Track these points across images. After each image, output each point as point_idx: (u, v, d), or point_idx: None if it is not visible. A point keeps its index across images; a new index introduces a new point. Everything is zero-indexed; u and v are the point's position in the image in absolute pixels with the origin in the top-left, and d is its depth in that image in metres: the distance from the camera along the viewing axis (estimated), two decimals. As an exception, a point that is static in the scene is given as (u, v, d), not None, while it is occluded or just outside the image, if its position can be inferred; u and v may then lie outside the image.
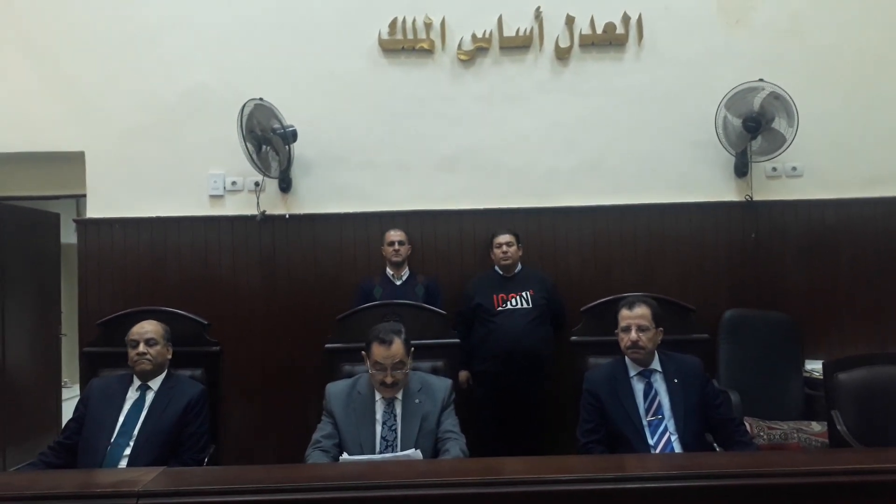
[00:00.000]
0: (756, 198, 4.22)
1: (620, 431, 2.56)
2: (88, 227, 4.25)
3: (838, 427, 2.66)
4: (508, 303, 3.78)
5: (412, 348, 2.57)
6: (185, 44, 4.25)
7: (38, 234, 5.13)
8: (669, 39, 4.29)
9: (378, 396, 2.53)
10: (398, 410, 2.50)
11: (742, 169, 4.19)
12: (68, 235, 5.43)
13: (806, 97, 3.99)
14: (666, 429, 2.55)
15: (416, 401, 2.52)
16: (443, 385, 2.60)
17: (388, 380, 2.46)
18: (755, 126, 3.98)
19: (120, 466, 2.51)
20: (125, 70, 4.24)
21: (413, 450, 2.30)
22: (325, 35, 4.26)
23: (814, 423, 3.61)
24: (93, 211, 4.24)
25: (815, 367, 3.93)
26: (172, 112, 4.23)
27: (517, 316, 3.74)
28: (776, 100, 3.95)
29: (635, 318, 2.63)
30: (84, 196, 4.31)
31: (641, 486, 1.73)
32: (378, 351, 2.46)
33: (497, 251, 3.87)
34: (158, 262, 4.22)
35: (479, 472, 1.84)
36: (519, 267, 3.92)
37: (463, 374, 3.74)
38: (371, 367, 2.50)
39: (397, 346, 2.46)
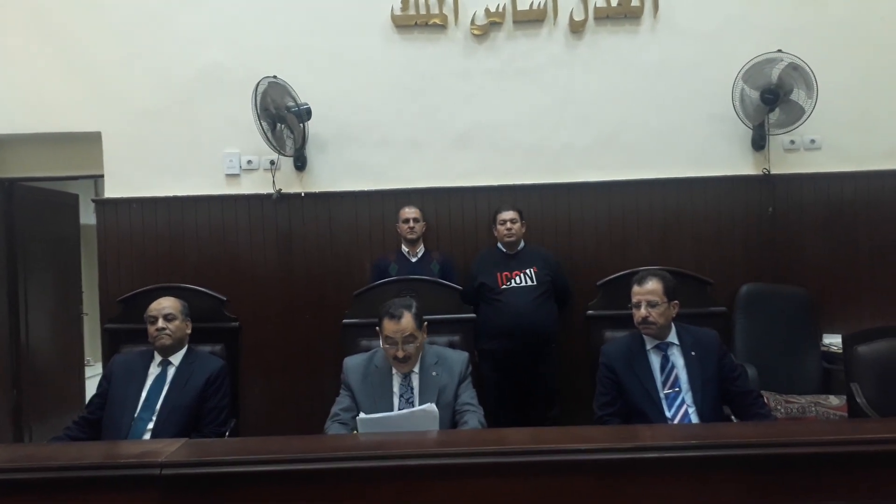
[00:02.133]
0: (773, 171, 4.16)
1: (637, 405, 2.56)
2: (106, 207, 4.28)
3: (858, 399, 2.65)
4: (512, 280, 3.76)
5: (425, 322, 2.58)
6: (199, 23, 4.24)
7: (58, 214, 5.17)
8: (686, 11, 4.21)
9: (395, 370, 2.55)
10: (415, 383, 2.53)
11: (759, 142, 4.14)
12: (87, 216, 5.49)
13: (826, 68, 3.92)
14: (683, 401, 2.55)
15: (433, 374, 2.54)
16: (459, 358, 2.62)
17: (400, 354, 2.48)
18: (773, 98, 3.93)
19: (144, 439, 2.55)
20: (140, 50, 4.24)
21: (428, 404, 2.31)
22: (337, 12, 4.23)
23: (831, 397, 3.60)
24: (110, 191, 4.28)
25: (832, 340, 3.91)
26: (187, 91, 4.24)
27: (522, 293, 3.72)
28: (795, 71, 3.89)
29: (645, 293, 2.61)
30: (102, 176, 4.33)
31: (659, 455, 1.74)
32: (388, 325, 2.49)
33: (501, 228, 3.84)
34: (176, 242, 4.25)
35: (496, 441, 1.86)
36: (522, 244, 3.90)
37: None
38: (383, 341, 2.53)
39: (407, 320, 2.48)
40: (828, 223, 4.19)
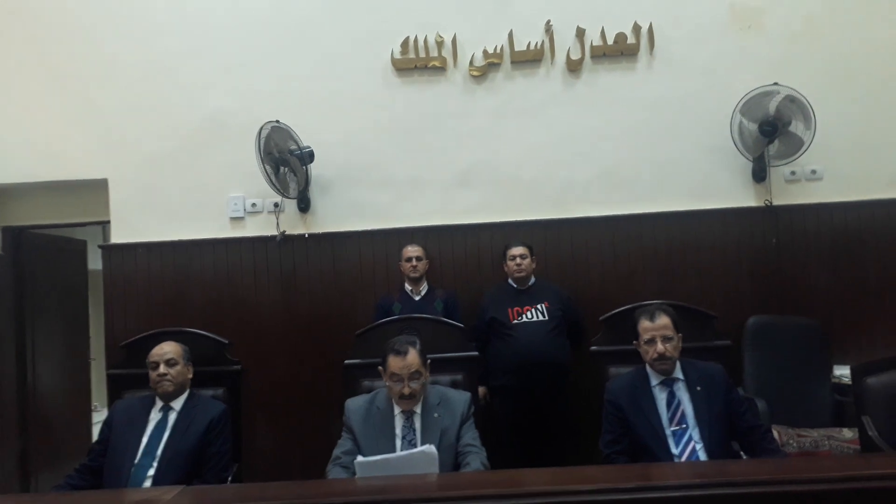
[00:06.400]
0: (776, 202, 4.16)
1: (644, 442, 2.52)
2: (113, 253, 4.32)
3: (869, 433, 2.60)
4: (524, 315, 3.74)
5: (429, 360, 2.57)
6: (202, 71, 4.33)
7: (66, 261, 5.22)
8: (681, 47, 4.27)
9: (397, 411, 2.53)
10: (417, 425, 2.51)
11: (760, 174, 4.15)
12: (95, 261, 5.52)
13: (823, 99, 3.95)
14: (690, 438, 2.51)
15: (435, 415, 2.51)
16: (462, 398, 2.60)
17: (406, 391, 2.46)
18: (771, 130, 3.95)
19: (144, 486, 2.53)
20: (145, 98, 4.32)
21: (427, 445, 2.28)
22: (338, 57, 4.31)
23: (845, 430, 3.53)
24: (117, 237, 4.32)
25: (843, 372, 3.83)
26: (192, 138, 4.31)
27: (533, 328, 3.70)
28: (792, 103, 3.91)
29: (659, 329, 2.58)
30: (108, 222, 4.39)
31: (665, 495, 1.71)
32: (394, 362, 2.47)
33: (511, 263, 3.84)
34: (182, 285, 4.27)
35: (499, 484, 1.83)
36: (533, 279, 3.89)
37: (480, 390, 3.70)
38: (388, 379, 2.51)
39: (413, 356, 2.47)
40: (834, 253, 4.17)
